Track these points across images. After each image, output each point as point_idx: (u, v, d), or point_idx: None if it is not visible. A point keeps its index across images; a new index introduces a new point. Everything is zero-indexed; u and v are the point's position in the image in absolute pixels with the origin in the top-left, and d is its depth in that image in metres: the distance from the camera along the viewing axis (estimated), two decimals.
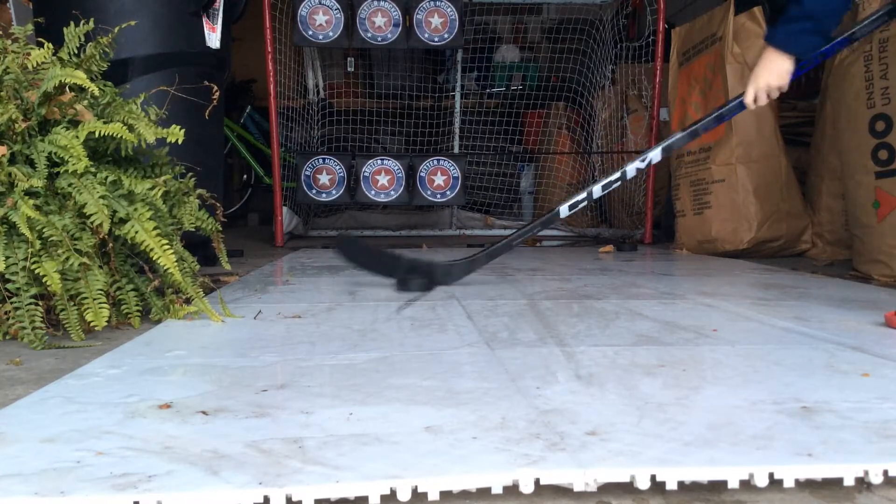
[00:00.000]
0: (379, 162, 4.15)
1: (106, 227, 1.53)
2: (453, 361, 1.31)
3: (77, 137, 1.57)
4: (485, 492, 0.79)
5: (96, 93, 1.66)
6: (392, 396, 1.08)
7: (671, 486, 0.80)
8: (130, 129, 1.67)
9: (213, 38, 2.69)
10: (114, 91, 1.80)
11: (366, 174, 4.14)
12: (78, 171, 1.55)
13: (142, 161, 1.84)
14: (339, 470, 0.79)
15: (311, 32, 3.97)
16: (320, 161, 4.12)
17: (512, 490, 0.79)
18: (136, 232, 1.60)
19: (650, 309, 1.86)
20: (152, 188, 1.65)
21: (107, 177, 1.62)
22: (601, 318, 1.73)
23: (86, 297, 1.54)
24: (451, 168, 4.19)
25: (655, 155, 2.17)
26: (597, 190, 2.21)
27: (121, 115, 1.72)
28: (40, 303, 1.53)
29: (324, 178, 4.11)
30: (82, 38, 1.81)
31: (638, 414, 0.99)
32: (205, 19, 2.64)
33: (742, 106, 1.91)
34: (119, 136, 1.62)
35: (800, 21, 1.74)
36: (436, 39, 4.08)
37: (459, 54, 4.41)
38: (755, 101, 1.86)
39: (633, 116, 4.51)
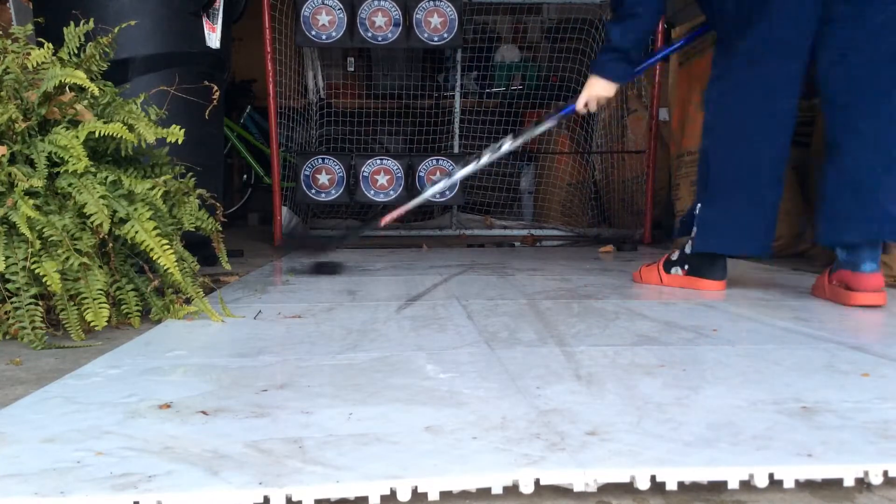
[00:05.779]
0: (378, 162, 4.15)
1: (106, 227, 1.53)
2: (453, 361, 1.31)
3: (77, 137, 1.57)
4: (485, 492, 0.79)
5: (96, 93, 1.66)
6: (392, 396, 1.08)
7: (671, 486, 0.80)
8: (130, 129, 1.67)
9: (213, 38, 2.69)
10: (114, 91, 1.80)
11: (365, 174, 4.14)
12: (78, 171, 1.55)
13: (142, 161, 1.84)
14: (339, 470, 0.79)
15: (314, 33, 3.98)
16: (319, 161, 4.12)
17: (512, 490, 0.79)
18: (136, 232, 1.60)
19: (650, 309, 1.86)
20: (152, 188, 1.65)
21: (107, 177, 1.62)
22: (601, 318, 1.73)
23: (86, 297, 1.54)
24: (451, 168, 4.19)
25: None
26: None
27: (121, 115, 1.72)
28: (40, 303, 1.53)
29: (323, 178, 4.11)
30: (82, 38, 1.81)
31: (638, 414, 0.99)
32: (205, 19, 2.64)
33: (573, 110, 2.33)
34: (119, 136, 1.62)
35: (609, 53, 2.21)
36: (435, 39, 4.08)
37: (459, 54, 4.41)
38: (586, 106, 2.29)
39: (633, 116, 4.51)
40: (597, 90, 2.24)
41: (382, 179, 4.15)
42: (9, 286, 1.51)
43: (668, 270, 2.28)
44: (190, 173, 1.89)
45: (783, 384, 1.16)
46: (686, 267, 2.22)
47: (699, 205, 2.20)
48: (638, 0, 2.11)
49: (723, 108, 2.14)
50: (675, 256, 2.27)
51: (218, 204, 2.04)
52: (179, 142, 1.71)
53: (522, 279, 2.47)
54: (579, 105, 2.28)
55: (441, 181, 2.52)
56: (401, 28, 4.03)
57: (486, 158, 2.43)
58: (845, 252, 1.96)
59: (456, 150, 4.44)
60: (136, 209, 1.62)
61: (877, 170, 1.90)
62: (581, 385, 1.14)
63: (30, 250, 1.50)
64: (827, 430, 0.93)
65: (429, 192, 2.48)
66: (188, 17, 2.58)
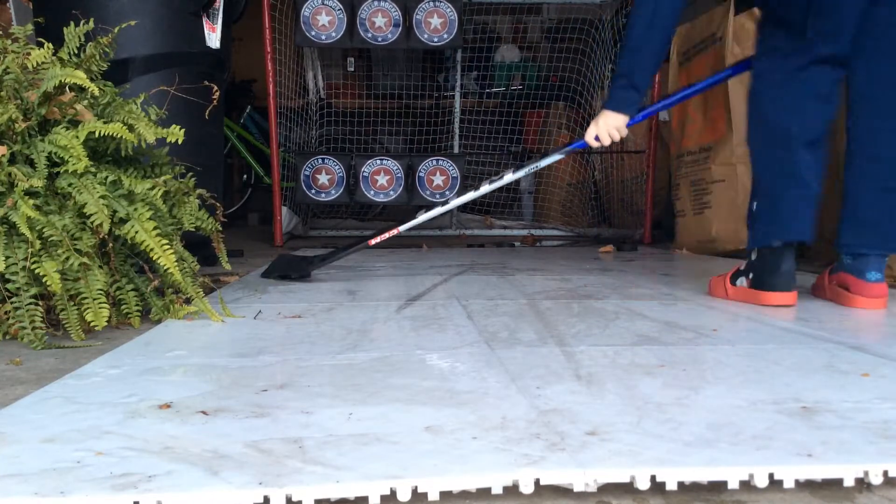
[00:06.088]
0: (378, 162, 4.16)
1: (106, 227, 1.53)
2: (453, 361, 1.31)
3: (77, 137, 1.57)
4: (485, 492, 0.79)
5: (96, 93, 1.66)
6: (392, 396, 1.08)
7: (671, 486, 0.80)
8: (130, 129, 1.67)
9: (213, 38, 2.69)
10: (114, 91, 1.80)
11: (365, 174, 4.14)
12: (78, 171, 1.55)
13: (142, 161, 1.84)
14: (339, 470, 0.79)
15: (313, 33, 3.98)
16: (319, 161, 4.12)
17: (512, 490, 0.79)
18: (136, 232, 1.60)
19: (650, 309, 1.86)
20: (152, 188, 1.65)
21: (107, 177, 1.62)
22: (601, 317, 1.73)
23: (86, 297, 1.54)
24: (451, 168, 4.20)
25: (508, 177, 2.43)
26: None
27: (121, 115, 1.72)
28: (40, 303, 1.53)
29: (323, 178, 4.11)
30: (82, 38, 1.81)
31: (638, 414, 0.99)
32: (205, 19, 2.64)
33: (584, 146, 2.24)
34: (119, 136, 1.62)
35: (615, 80, 2.14)
36: (435, 40, 4.08)
37: (459, 54, 4.41)
38: (596, 139, 2.18)
39: None
40: (605, 122, 2.13)
41: (382, 179, 4.15)
42: (9, 286, 1.51)
43: (733, 282, 2.08)
44: (190, 173, 1.89)
45: (783, 384, 1.16)
46: (751, 276, 2.01)
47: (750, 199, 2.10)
48: (641, 34, 2.02)
49: (760, 97, 2.05)
50: (742, 266, 2.07)
51: (218, 204, 2.04)
52: (179, 142, 1.71)
53: (522, 279, 2.47)
54: (589, 139, 2.18)
55: (436, 208, 2.46)
56: (401, 28, 4.03)
57: (485, 188, 2.43)
58: (851, 257, 1.93)
59: (456, 150, 4.44)
60: (136, 209, 1.62)
61: None
62: (581, 385, 1.14)
63: (30, 250, 1.50)
64: (827, 430, 0.93)
65: (422, 218, 2.44)
66: (188, 17, 2.58)
